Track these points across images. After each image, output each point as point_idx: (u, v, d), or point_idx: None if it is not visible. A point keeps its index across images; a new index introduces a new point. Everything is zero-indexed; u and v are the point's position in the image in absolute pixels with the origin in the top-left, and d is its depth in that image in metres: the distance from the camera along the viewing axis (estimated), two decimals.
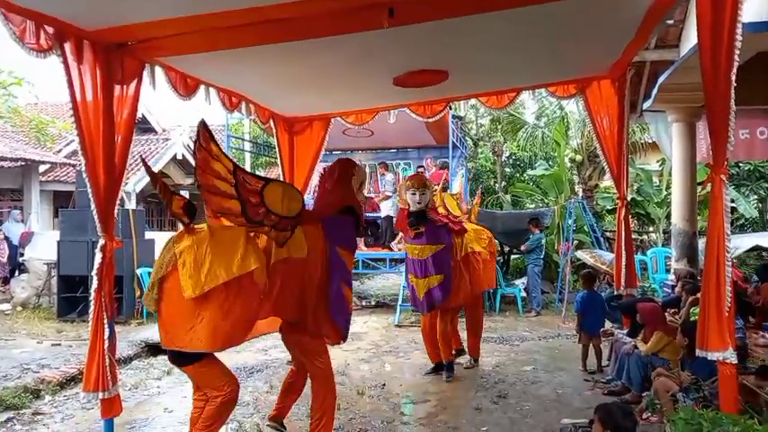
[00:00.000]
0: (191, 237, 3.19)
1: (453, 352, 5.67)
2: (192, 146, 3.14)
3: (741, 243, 9.44)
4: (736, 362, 2.73)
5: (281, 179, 6.00)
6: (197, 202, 3.39)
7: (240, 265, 3.12)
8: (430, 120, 5.86)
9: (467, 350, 6.03)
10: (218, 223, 3.29)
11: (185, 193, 8.19)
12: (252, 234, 3.31)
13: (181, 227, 3.30)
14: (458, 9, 3.25)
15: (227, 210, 3.20)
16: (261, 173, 17.31)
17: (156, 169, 14.95)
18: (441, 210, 5.57)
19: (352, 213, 3.83)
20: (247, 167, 15.81)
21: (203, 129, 3.06)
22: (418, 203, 5.15)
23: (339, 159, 4.05)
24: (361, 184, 3.97)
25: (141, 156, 3.50)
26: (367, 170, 12.71)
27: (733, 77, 2.66)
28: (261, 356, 6.28)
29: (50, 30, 3.10)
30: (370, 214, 11.23)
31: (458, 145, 11.65)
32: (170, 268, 3.13)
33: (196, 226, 3.29)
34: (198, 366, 3.23)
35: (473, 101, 6.14)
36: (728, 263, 2.72)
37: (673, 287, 6.58)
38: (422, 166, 11.60)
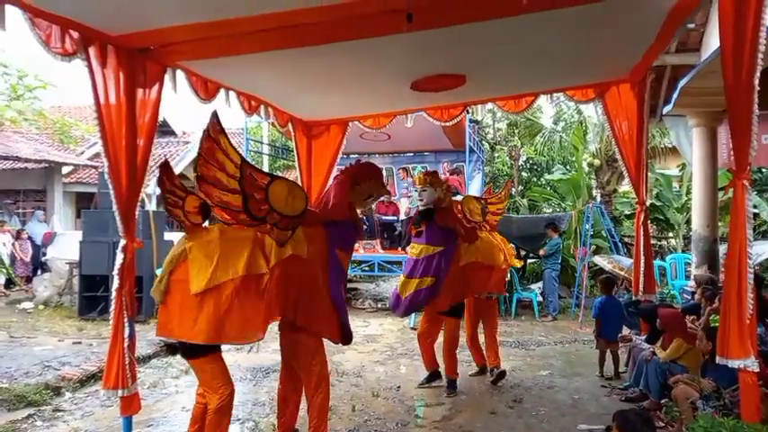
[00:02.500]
0: (202, 234, 3.27)
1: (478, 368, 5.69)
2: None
3: (763, 250, 9.28)
4: (758, 370, 2.69)
5: (299, 182, 6.05)
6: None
7: (246, 265, 3.17)
8: (447, 124, 5.84)
9: (487, 365, 5.74)
10: (226, 218, 3.33)
11: None
12: (260, 235, 3.34)
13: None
14: (475, 14, 3.25)
15: (227, 203, 3.23)
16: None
17: (176, 172, 15.23)
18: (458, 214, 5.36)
19: (354, 223, 3.87)
20: (266, 170, 15.95)
21: (215, 120, 3.11)
22: (420, 200, 5.03)
23: (360, 164, 4.04)
24: (369, 197, 3.98)
25: (165, 158, 3.65)
26: (384, 173, 12.90)
27: (756, 81, 2.63)
28: (277, 357, 6.31)
29: (75, 35, 3.17)
30: (387, 217, 11.27)
31: (474, 149, 11.63)
32: (180, 262, 3.22)
33: (209, 226, 3.35)
34: (202, 361, 3.30)
35: (490, 105, 6.09)
36: (750, 269, 2.69)
37: (692, 293, 6.48)
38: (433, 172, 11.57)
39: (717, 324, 3.40)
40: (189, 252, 3.21)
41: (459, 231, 5.11)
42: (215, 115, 3.14)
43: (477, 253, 5.21)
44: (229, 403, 3.35)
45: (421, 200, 5.00)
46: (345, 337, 3.77)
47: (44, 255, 11.27)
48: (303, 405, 3.96)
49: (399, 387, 5.36)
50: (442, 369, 5.37)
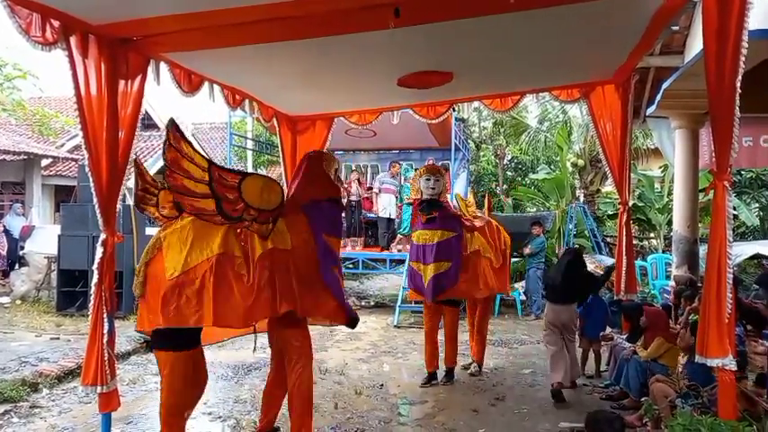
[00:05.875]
0: (176, 223, 3.26)
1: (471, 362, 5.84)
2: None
3: (742, 251, 9.43)
4: (736, 369, 2.73)
5: (284, 178, 6.01)
6: None
7: (220, 244, 3.16)
8: (433, 121, 5.84)
9: (472, 357, 6.03)
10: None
11: None
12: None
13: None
14: (463, 10, 3.24)
15: (200, 210, 3.22)
16: (263, 171, 17.32)
17: (158, 165, 15.05)
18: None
19: (335, 201, 3.88)
20: (249, 166, 15.83)
21: (173, 128, 3.06)
22: (432, 189, 5.24)
23: (307, 155, 4.05)
24: (335, 171, 3.99)
25: (136, 157, 3.63)
26: (370, 171, 12.87)
27: (738, 84, 2.66)
28: (259, 354, 6.27)
29: (56, 23, 3.10)
30: (371, 215, 11.23)
31: (460, 147, 11.66)
32: (155, 252, 3.20)
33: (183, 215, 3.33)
34: (169, 356, 3.26)
35: (476, 103, 6.12)
36: (729, 270, 2.72)
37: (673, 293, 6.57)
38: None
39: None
40: (163, 240, 3.19)
41: (464, 221, 5.43)
42: (172, 122, 3.08)
43: (477, 241, 5.47)
44: (177, 405, 3.35)
45: (433, 188, 5.26)
46: (351, 318, 3.74)
47: (22, 249, 11.04)
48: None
49: (382, 385, 5.36)
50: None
